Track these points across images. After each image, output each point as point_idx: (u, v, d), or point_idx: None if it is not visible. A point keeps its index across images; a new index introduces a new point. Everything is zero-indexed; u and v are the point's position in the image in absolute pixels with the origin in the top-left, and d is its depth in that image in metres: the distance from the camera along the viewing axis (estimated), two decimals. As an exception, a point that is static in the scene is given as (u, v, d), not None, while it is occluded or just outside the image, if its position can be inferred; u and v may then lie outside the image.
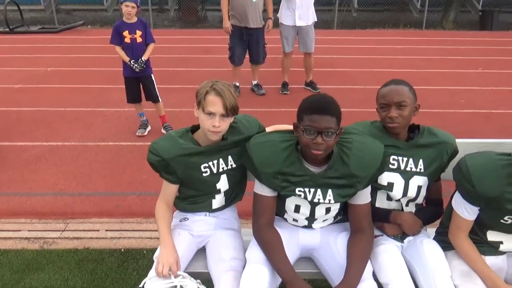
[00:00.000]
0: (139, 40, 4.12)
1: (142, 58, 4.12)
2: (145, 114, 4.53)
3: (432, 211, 1.88)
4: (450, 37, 10.17)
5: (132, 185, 3.30)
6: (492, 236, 1.69)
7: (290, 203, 1.72)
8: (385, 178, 1.78)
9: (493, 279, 1.60)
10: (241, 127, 1.82)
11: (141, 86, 4.29)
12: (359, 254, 1.62)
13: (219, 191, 1.84)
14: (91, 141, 4.24)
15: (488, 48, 8.74)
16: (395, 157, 1.78)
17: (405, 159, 1.78)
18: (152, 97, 4.33)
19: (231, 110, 1.68)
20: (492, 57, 7.94)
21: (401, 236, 1.82)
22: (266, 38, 5.56)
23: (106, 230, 2.86)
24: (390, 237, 1.82)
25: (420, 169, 1.78)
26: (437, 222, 1.91)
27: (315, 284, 2.16)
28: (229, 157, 1.81)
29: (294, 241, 1.78)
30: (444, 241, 1.79)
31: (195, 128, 1.81)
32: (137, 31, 4.11)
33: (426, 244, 1.73)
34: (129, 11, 4.03)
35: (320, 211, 1.72)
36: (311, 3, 5.43)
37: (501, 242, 1.70)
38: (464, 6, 12.38)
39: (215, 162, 1.78)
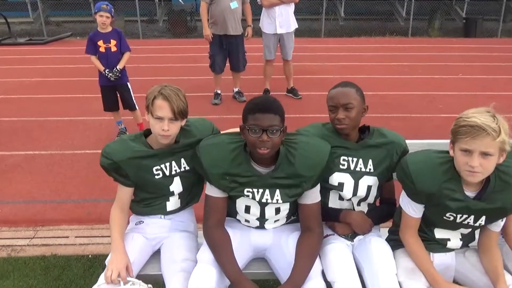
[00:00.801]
0: (113, 49, 4.19)
1: (117, 67, 4.16)
2: (123, 122, 4.56)
3: (384, 210, 1.91)
4: (435, 44, 10.32)
5: (105, 192, 3.31)
6: (439, 233, 1.73)
7: (240, 204, 1.75)
8: (335, 178, 1.82)
9: (434, 276, 1.63)
10: (194, 130, 1.85)
11: (117, 95, 4.33)
12: (305, 253, 1.65)
13: (172, 193, 1.86)
14: (69, 150, 4.26)
15: (470, 55, 8.87)
16: (345, 158, 1.82)
17: (355, 159, 1.82)
18: (129, 105, 4.37)
19: (179, 114, 1.72)
20: (473, 63, 8.06)
21: (351, 235, 1.85)
22: (249, 46, 5.64)
23: (76, 237, 2.86)
24: (341, 236, 1.84)
25: (370, 169, 1.82)
26: (391, 221, 1.94)
27: (267, 284, 2.19)
28: (182, 160, 1.84)
29: (246, 241, 1.80)
30: (395, 239, 1.82)
31: (149, 132, 1.84)
32: (112, 40, 4.18)
33: (374, 242, 1.76)
34: (103, 21, 4.10)
35: (270, 211, 1.75)
36: (291, 11, 5.52)
37: (449, 239, 1.73)
38: (448, 14, 12.59)
39: (167, 164, 1.81)
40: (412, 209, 1.68)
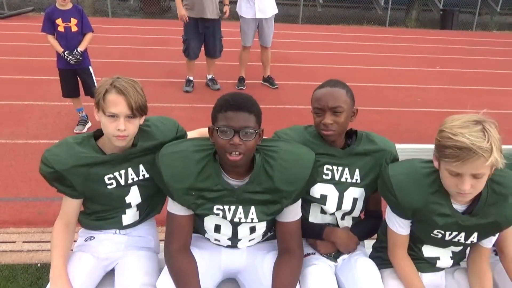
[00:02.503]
0: (74, 29, 3.77)
1: (78, 49, 3.76)
2: (85, 109, 4.17)
3: (370, 225, 1.71)
4: (412, 35, 10.27)
5: (60, 189, 2.98)
6: (428, 251, 1.56)
7: (209, 222, 1.50)
8: (317, 190, 1.60)
9: None
10: (155, 130, 1.58)
11: (78, 79, 3.94)
12: (284, 280, 1.43)
13: (129, 205, 1.59)
14: (22, 139, 3.85)
15: (447, 47, 8.86)
16: (329, 167, 1.60)
17: (340, 168, 1.60)
18: (91, 92, 3.97)
19: (137, 110, 1.44)
20: (450, 56, 8.04)
21: (334, 254, 1.64)
22: (224, 31, 5.31)
23: (23, 242, 2.54)
24: (323, 256, 1.64)
25: (356, 179, 1.61)
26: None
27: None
28: (140, 166, 1.56)
29: (215, 263, 1.56)
30: (381, 257, 1.64)
31: (100, 133, 1.54)
32: (72, 19, 3.76)
33: (360, 263, 1.56)
34: None
35: (243, 231, 1.51)
36: (272, -6, 5.21)
37: (438, 258, 1.57)
38: (426, 5, 12.57)
39: (122, 172, 1.53)
40: (399, 225, 1.50)
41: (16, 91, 5.04)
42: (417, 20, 12.11)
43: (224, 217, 1.44)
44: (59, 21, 3.71)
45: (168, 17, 11.63)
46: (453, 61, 7.64)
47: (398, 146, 1.73)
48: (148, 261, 1.58)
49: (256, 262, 1.55)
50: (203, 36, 5.03)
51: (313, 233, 1.65)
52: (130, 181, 1.55)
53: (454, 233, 1.44)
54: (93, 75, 3.95)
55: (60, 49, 3.74)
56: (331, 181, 1.60)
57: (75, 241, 1.64)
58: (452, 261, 1.58)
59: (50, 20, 3.72)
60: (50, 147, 1.49)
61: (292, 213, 1.49)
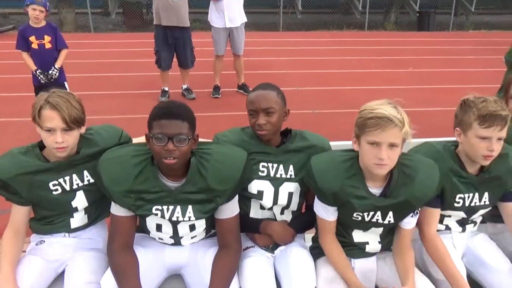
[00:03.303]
0: (48, 46, 3.86)
1: (56, 66, 3.86)
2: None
3: (307, 218, 1.82)
4: (389, 37, 10.48)
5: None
6: (357, 236, 1.68)
7: (151, 222, 1.61)
8: (254, 186, 1.71)
9: (353, 282, 1.57)
10: (97, 138, 1.68)
11: None
12: (221, 272, 1.54)
13: (76, 209, 1.68)
14: (-4, 155, 3.92)
15: (421, 48, 9.06)
16: (265, 164, 1.71)
17: (275, 165, 1.71)
18: None
19: (73, 122, 1.54)
20: (424, 56, 8.23)
21: (272, 246, 1.74)
22: (198, 41, 5.43)
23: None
24: (262, 248, 1.74)
25: (291, 175, 1.72)
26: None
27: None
28: (85, 172, 1.66)
29: (159, 261, 1.66)
30: (318, 247, 1.75)
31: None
32: (46, 36, 3.85)
33: (294, 253, 1.67)
34: (36, 15, 3.77)
35: (183, 229, 1.61)
36: (240, 4, 5.36)
37: (367, 243, 1.68)
38: (403, 7, 12.84)
39: (66, 178, 1.63)
40: (324, 211, 1.62)
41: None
42: (396, 23, 12.36)
43: (163, 216, 1.54)
44: (32, 38, 3.80)
45: (151, 29, 11.72)
46: (427, 62, 7.82)
47: (332, 143, 1.86)
48: (95, 261, 1.67)
49: (198, 258, 1.66)
50: (173, 46, 5.15)
51: (251, 228, 1.75)
52: (75, 186, 1.65)
53: (371, 213, 1.57)
54: (68, 90, 4.04)
55: (33, 67, 3.83)
56: (267, 177, 1.71)
57: (24, 251, 1.72)
58: (380, 245, 1.69)
59: (23, 37, 3.81)
60: None
61: (229, 210, 1.59)
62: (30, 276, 1.57)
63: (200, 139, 1.57)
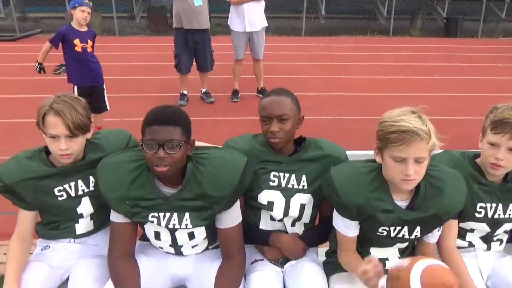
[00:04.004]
0: (89, 50, 3.97)
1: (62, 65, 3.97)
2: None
3: (320, 231, 1.72)
4: (415, 44, 10.22)
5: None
6: (376, 253, 1.57)
7: (149, 230, 1.55)
8: (264, 196, 1.62)
9: None
10: (104, 143, 1.64)
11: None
12: (224, 286, 1.45)
13: (81, 216, 1.65)
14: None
15: (448, 55, 8.77)
16: (276, 174, 1.63)
17: (286, 175, 1.63)
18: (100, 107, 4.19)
19: (77, 129, 1.49)
20: (450, 64, 7.96)
21: (281, 260, 1.65)
22: (218, 45, 5.42)
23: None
24: (270, 262, 1.65)
25: (303, 185, 1.63)
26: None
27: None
28: (91, 178, 1.62)
29: (162, 270, 1.60)
30: (332, 262, 1.66)
31: None
32: (89, 41, 3.94)
33: (306, 269, 1.58)
34: (85, 17, 3.83)
35: (182, 237, 1.54)
36: (260, 8, 5.31)
37: (387, 259, 1.58)
38: (430, 13, 12.52)
39: (72, 184, 1.59)
40: (345, 227, 1.52)
41: (16, 109, 5.23)
42: (422, 29, 12.06)
43: (159, 224, 1.48)
44: (77, 41, 3.85)
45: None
46: (453, 69, 7.56)
47: (349, 153, 1.75)
48: (99, 269, 1.62)
49: (203, 270, 1.58)
50: (193, 50, 5.14)
51: (260, 239, 1.67)
52: (80, 192, 1.61)
53: (398, 228, 1.47)
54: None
55: (40, 60, 3.93)
56: (278, 187, 1.62)
57: (31, 253, 1.70)
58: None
59: (64, 39, 3.85)
60: (4, 162, 1.57)
61: (229, 219, 1.52)
62: (35, 283, 1.54)
63: (201, 143, 1.51)
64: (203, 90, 5.55)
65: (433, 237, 1.53)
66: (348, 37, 11.37)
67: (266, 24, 5.45)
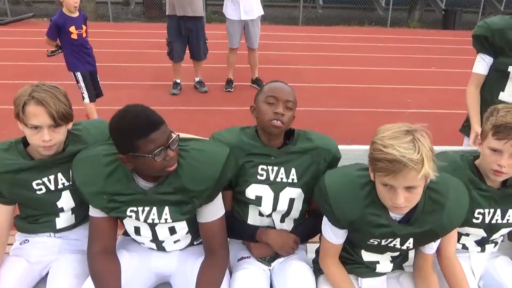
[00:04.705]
0: (84, 35, 3.89)
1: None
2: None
3: (311, 224, 1.64)
4: (413, 35, 10.13)
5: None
6: (367, 256, 1.52)
7: (128, 225, 1.49)
8: (252, 191, 1.56)
9: None
10: (85, 135, 1.56)
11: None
12: (205, 284, 1.40)
13: (62, 210, 1.58)
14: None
15: (446, 48, 8.70)
16: (264, 167, 1.56)
17: (275, 168, 1.56)
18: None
19: (61, 119, 1.42)
20: (449, 56, 7.90)
21: (269, 258, 1.60)
22: (212, 33, 5.31)
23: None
24: (258, 260, 1.60)
25: (293, 179, 1.57)
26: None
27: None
28: (71, 171, 1.54)
29: (145, 267, 1.54)
30: (320, 262, 1.59)
31: None
32: (83, 26, 3.85)
33: (293, 268, 1.53)
34: (76, 1, 3.72)
35: (162, 232, 1.49)
36: (256, -4, 5.19)
37: (378, 262, 1.53)
38: (429, 5, 12.40)
39: (51, 177, 1.52)
40: (333, 234, 1.46)
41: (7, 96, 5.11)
42: (420, 21, 11.95)
43: (138, 218, 1.43)
44: (72, 28, 3.76)
45: (169, 20, 11.69)
46: (451, 61, 7.50)
47: (341, 147, 1.69)
48: (80, 264, 1.56)
49: (187, 267, 1.53)
50: (186, 38, 5.03)
51: (246, 235, 1.61)
52: (60, 186, 1.54)
53: (390, 239, 1.41)
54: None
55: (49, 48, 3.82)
56: (266, 181, 1.56)
57: (11, 244, 1.64)
58: (392, 264, 1.54)
59: (60, 29, 3.74)
60: None
61: (210, 213, 1.46)
62: (12, 279, 1.48)
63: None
64: (197, 79, 5.46)
65: (430, 248, 1.46)
66: (345, 27, 11.25)
67: (262, 13, 5.34)
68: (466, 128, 2.31)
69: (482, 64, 2.19)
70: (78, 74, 3.94)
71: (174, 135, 1.34)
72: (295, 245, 1.60)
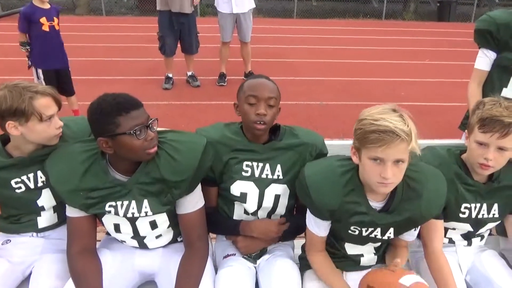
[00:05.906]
0: (57, 27, 3.76)
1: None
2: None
3: (298, 221, 1.60)
4: (407, 27, 10.08)
5: None
6: (351, 249, 1.51)
7: (108, 222, 1.46)
8: (237, 187, 1.54)
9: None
10: (65, 131, 1.53)
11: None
12: (183, 279, 1.39)
13: (43, 208, 1.55)
14: None
15: (441, 40, 8.67)
16: (249, 163, 1.54)
17: (260, 164, 1.54)
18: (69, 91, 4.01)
19: (59, 104, 1.49)
20: (442, 49, 7.87)
21: (254, 255, 1.58)
22: (204, 26, 5.25)
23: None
24: (243, 257, 1.58)
25: (278, 175, 1.55)
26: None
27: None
28: (45, 169, 1.51)
29: (128, 266, 1.52)
30: (306, 258, 1.58)
31: (7, 138, 1.50)
32: (55, 18, 3.73)
33: (279, 265, 1.51)
34: None
35: (143, 226, 1.47)
36: (247, -12, 5.13)
37: (362, 255, 1.53)
38: (424, -4, 12.35)
39: (30, 175, 1.50)
40: (316, 226, 1.45)
41: None
42: (415, 13, 11.90)
43: (117, 213, 1.41)
44: (43, 20, 3.64)
45: (163, 14, 11.57)
46: (445, 54, 7.47)
47: (327, 142, 1.67)
48: (63, 265, 1.53)
49: (171, 264, 1.51)
50: (178, 32, 4.97)
51: (230, 229, 1.59)
52: (40, 184, 1.52)
53: (371, 229, 1.41)
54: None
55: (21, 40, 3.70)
56: (251, 178, 1.54)
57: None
58: (376, 256, 1.54)
59: (30, 20, 3.62)
60: None
61: (189, 203, 1.45)
62: (-7, 279, 1.45)
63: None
64: (189, 73, 5.41)
65: (409, 235, 1.47)
66: (340, 19, 11.18)
67: (254, 6, 5.28)
68: (465, 126, 2.29)
69: (485, 59, 2.09)
70: (39, 71, 3.79)
71: (154, 119, 1.35)
72: (278, 230, 1.57)
